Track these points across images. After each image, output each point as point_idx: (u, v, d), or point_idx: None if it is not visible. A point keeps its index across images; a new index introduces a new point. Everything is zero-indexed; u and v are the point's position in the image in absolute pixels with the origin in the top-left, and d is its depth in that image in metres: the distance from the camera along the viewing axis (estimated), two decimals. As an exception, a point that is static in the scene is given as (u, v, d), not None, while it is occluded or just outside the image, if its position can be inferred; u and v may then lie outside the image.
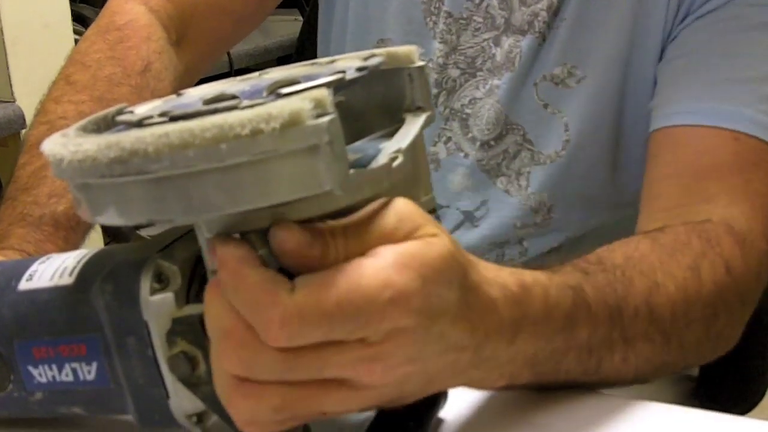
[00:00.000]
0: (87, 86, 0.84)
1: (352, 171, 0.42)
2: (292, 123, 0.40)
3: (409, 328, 0.44)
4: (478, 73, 0.90)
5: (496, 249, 0.91)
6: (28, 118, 1.51)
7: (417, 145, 0.50)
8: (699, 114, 0.77)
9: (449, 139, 0.91)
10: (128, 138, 0.41)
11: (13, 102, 1.61)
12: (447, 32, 0.90)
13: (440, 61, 0.90)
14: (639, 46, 0.84)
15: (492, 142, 0.90)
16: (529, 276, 0.53)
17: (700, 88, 0.79)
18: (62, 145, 0.44)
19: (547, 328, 0.53)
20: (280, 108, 0.40)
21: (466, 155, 0.91)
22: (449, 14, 0.90)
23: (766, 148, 0.76)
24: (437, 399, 0.54)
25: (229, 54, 1.91)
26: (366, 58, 0.51)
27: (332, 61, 0.54)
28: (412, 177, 0.51)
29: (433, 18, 0.91)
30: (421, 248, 0.44)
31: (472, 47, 0.90)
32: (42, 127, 0.82)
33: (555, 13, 0.86)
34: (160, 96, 0.54)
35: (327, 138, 0.41)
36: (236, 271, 0.43)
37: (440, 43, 0.91)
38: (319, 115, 0.41)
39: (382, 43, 0.94)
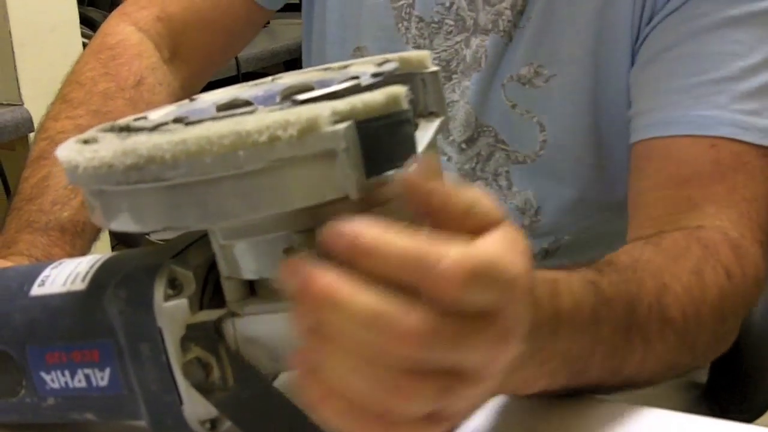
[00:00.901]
0: (83, 102, 0.86)
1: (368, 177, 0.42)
2: (310, 129, 0.40)
3: (521, 309, 0.43)
4: (453, 76, 0.89)
5: None
6: (36, 121, 1.51)
7: (431, 150, 0.50)
8: (674, 124, 0.76)
9: None
10: (145, 145, 0.41)
11: (21, 105, 1.61)
12: (419, 37, 0.90)
13: None
14: (607, 46, 0.83)
15: (464, 145, 0.89)
16: (552, 273, 0.55)
17: (673, 96, 0.77)
18: (77, 151, 0.43)
19: (578, 322, 0.55)
20: (298, 114, 0.40)
21: (449, 158, 0.91)
22: (420, 19, 0.90)
23: (746, 149, 0.75)
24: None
25: (236, 58, 1.91)
26: (380, 64, 0.51)
27: (345, 66, 0.54)
28: None
29: (405, 23, 0.91)
30: (519, 236, 0.43)
31: (445, 50, 0.89)
32: (42, 143, 0.84)
33: (520, 12, 0.85)
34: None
35: (344, 144, 0.40)
36: (387, 239, 0.39)
37: (413, 48, 0.90)
38: (336, 122, 0.40)
39: (358, 51, 0.94)
